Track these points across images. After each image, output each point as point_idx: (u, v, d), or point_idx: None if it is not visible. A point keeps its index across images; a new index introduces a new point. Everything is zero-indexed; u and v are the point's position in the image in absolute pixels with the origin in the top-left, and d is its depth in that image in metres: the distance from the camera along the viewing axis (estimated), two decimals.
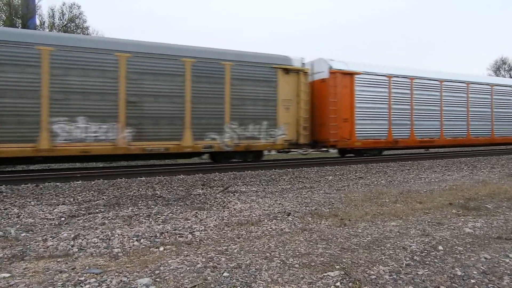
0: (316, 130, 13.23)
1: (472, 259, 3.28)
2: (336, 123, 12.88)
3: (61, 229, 4.34)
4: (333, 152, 15.28)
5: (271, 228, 4.33)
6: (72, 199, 6.27)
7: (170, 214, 5.07)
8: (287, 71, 12.12)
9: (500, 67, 51.63)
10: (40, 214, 5.13)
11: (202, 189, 7.38)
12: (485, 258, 3.29)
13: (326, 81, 13.01)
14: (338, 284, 2.75)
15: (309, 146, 13.17)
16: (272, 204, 5.77)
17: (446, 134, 15.58)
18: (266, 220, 4.70)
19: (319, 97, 13.23)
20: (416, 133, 14.76)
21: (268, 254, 3.40)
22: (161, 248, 3.61)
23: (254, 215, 5.00)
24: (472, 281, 2.80)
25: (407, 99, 14.61)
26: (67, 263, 3.20)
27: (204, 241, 3.86)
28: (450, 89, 15.74)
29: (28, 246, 3.67)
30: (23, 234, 4.13)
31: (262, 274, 2.92)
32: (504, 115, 17.54)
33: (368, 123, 13.68)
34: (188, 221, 4.70)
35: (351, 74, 13.29)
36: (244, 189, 7.37)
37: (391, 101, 14.24)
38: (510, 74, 50.51)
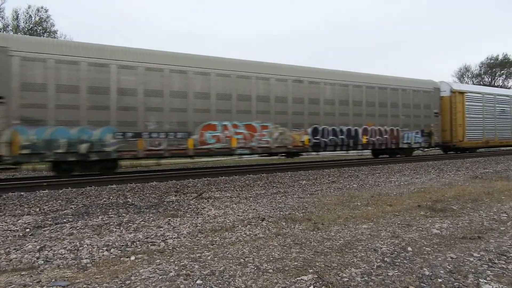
0: None
1: (439, 259, 3.39)
2: None
3: (26, 240, 4.14)
4: None
5: (245, 234, 4.32)
6: (38, 209, 6.01)
7: (142, 222, 4.95)
8: None
9: (464, 74, 54.14)
10: (2, 225, 4.88)
11: (176, 195, 7.27)
12: (451, 257, 3.41)
13: None
14: (311, 287, 2.77)
15: None
16: (246, 209, 5.75)
17: None
18: (240, 226, 4.68)
19: None
20: None
21: (242, 260, 3.39)
22: (132, 257, 3.52)
23: (228, 221, 4.97)
24: (439, 280, 2.90)
25: None
26: (31, 276, 3.06)
27: (177, 248, 3.80)
28: None
29: None
30: None
31: (236, 281, 2.90)
32: None
33: None
34: (161, 228, 4.61)
35: None
36: (218, 195, 7.32)
37: None
38: (473, 81, 53.05)
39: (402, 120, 16.42)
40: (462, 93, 18.84)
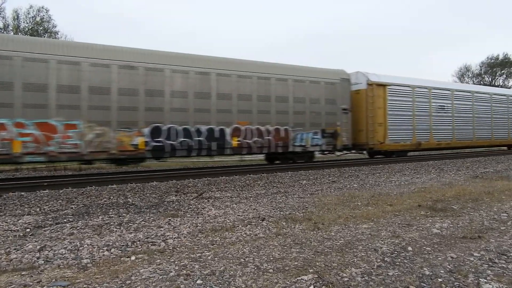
0: None
1: (440, 258, 3.39)
2: None
3: (26, 240, 4.15)
4: None
5: (245, 234, 4.32)
6: (38, 209, 6.02)
7: (143, 222, 4.95)
8: None
9: (464, 74, 54.10)
10: (3, 225, 4.88)
11: (176, 195, 7.27)
12: (452, 257, 3.41)
13: None
14: (311, 287, 2.77)
15: None
16: (246, 209, 5.76)
17: None
18: (240, 226, 4.68)
19: None
20: None
21: (242, 260, 3.39)
22: (133, 257, 3.52)
23: (228, 221, 4.98)
24: (440, 280, 2.90)
25: None
26: (32, 276, 3.06)
27: (177, 248, 3.80)
28: None
29: None
30: None
31: (236, 280, 2.90)
32: None
33: None
34: (161, 228, 4.61)
35: None
36: (219, 195, 7.33)
37: None
38: (473, 80, 53.03)
39: (293, 118, 13.23)
40: (382, 85, 15.24)
